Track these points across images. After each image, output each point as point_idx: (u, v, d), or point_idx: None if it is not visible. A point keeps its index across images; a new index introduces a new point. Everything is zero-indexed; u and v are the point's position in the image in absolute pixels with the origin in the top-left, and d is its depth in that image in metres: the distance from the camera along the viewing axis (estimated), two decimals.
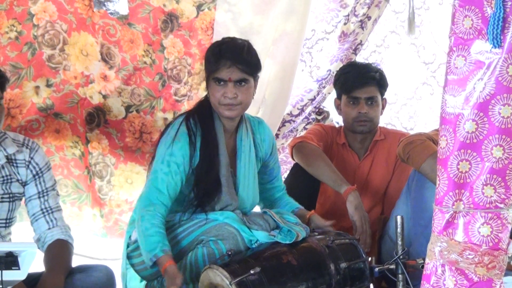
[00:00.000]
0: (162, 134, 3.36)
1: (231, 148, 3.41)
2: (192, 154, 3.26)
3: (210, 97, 3.31)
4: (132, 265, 3.35)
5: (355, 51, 4.59)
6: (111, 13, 4.00)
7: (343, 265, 3.12)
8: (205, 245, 3.17)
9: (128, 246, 3.36)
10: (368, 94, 4.02)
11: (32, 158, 3.14)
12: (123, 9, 4.00)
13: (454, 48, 2.57)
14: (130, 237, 3.36)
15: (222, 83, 3.26)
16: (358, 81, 4.00)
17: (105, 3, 3.95)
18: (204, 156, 3.27)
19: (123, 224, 4.19)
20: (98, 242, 4.21)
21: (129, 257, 3.34)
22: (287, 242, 3.16)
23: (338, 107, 4.14)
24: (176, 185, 3.23)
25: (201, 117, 3.33)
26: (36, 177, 3.14)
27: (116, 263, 3.78)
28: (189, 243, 3.22)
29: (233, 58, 3.25)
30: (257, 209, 3.63)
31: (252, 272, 2.91)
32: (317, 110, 4.72)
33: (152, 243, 3.09)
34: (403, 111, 4.19)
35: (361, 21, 4.54)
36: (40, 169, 3.15)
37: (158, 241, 3.09)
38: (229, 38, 3.41)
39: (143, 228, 3.13)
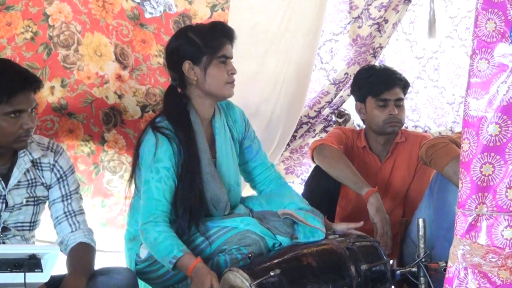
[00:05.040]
0: (138, 144, 3.35)
1: (209, 135, 3.42)
2: (176, 154, 3.26)
3: (210, 81, 3.31)
4: (147, 280, 3.37)
5: (375, 54, 4.60)
6: (151, 13, 4.00)
7: (363, 267, 3.12)
8: (228, 253, 3.18)
9: (136, 264, 3.36)
10: (396, 96, 4.08)
11: (56, 162, 3.14)
12: (169, 7, 4.00)
13: (477, 51, 2.57)
14: (137, 254, 3.35)
15: (226, 60, 3.33)
16: (388, 84, 4.05)
17: (144, 3, 3.95)
18: (186, 163, 3.27)
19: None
20: (100, 232, 4.19)
21: (142, 273, 3.34)
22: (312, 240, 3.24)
23: (360, 110, 4.15)
24: (171, 188, 3.23)
25: (176, 117, 3.33)
26: (60, 180, 3.14)
27: (119, 255, 3.77)
28: (211, 253, 3.23)
29: (231, 36, 3.38)
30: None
31: (272, 274, 2.92)
32: (337, 113, 4.74)
33: (167, 246, 3.10)
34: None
35: (378, 23, 4.54)
36: (64, 172, 3.15)
37: (172, 244, 3.10)
38: (206, 22, 3.53)
39: (152, 239, 3.14)
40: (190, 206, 3.24)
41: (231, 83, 3.35)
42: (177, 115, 3.33)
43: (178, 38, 3.38)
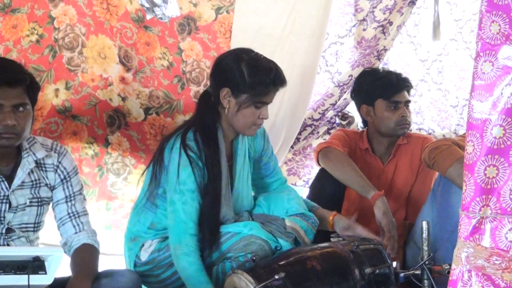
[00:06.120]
0: (161, 148, 3.33)
1: (229, 154, 3.41)
2: (199, 176, 3.25)
3: (240, 118, 3.29)
4: (147, 283, 3.38)
5: (379, 56, 4.61)
6: (160, 18, 4.01)
7: (367, 270, 3.12)
8: (234, 260, 3.19)
9: (135, 265, 3.36)
10: (406, 98, 4.12)
11: (60, 163, 3.14)
12: (175, 12, 4.00)
13: (481, 54, 2.56)
14: (137, 256, 3.36)
15: (262, 106, 3.30)
16: (398, 86, 4.07)
17: (154, 9, 3.96)
18: (209, 183, 3.27)
19: None
20: (103, 235, 4.19)
21: (142, 275, 3.33)
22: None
23: (368, 113, 4.14)
24: (196, 208, 3.23)
25: (206, 131, 3.31)
26: (64, 181, 3.14)
27: (123, 259, 3.77)
28: (215, 259, 3.23)
29: (281, 85, 3.32)
30: None
31: (276, 277, 2.91)
32: (341, 115, 4.74)
33: (198, 282, 3.10)
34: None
35: (382, 26, 4.55)
36: (68, 173, 3.14)
37: (201, 281, 3.10)
38: (265, 60, 3.35)
39: (181, 267, 3.15)
40: (211, 226, 3.25)
41: (258, 125, 3.34)
42: (207, 129, 3.31)
43: (233, 60, 3.31)
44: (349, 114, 4.77)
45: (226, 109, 3.29)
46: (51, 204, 3.15)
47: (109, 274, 3.04)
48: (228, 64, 3.30)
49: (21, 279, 2.56)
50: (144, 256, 3.32)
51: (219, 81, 3.31)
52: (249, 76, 3.25)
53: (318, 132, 4.74)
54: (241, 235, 3.21)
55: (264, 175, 3.59)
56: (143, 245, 3.35)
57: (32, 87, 3.02)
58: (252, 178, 3.55)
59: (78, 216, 3.14)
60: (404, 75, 4.25)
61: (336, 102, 4.65)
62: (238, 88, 3.26)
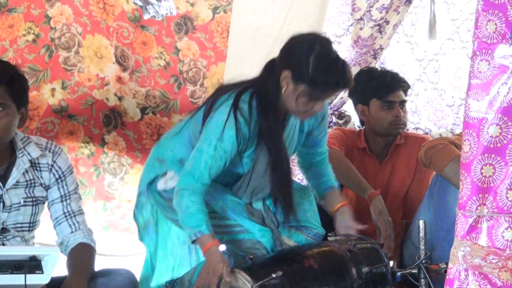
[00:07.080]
0: (213, 101, 3.24)
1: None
2: (241, 141, 3.16)
3: (291, 104, 3.17)
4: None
5: (375, 55, 4.61)
6: (153, 16, 4.00)
7: (365, 269, 3.11)
8: (233, 255, 3.18)
9: (150, 183, 3.33)
10: (401, 98, 4.10)
11: (55, 162, 3.11)
12: (170, 10, 4.00)
13: (478, 53, 2.56)
14: (156, 177, 3.32)
15: (316, 100, 3.20)
16: (393, 86, 4.06)
17: (147, 7, 3.96)
18: (268, 154, 3.22)
19: (130, 218, 4.18)
20: (102, 236, 4.19)
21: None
22: None
23: (363, 112, 4.14)
24: (219, 167, 3.16)
25: (264, 104, 3.20)
26: (59, 180, 3.12)
27: (122, 260, 3.77)
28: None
29: (343, 87, 3.29)
30: None
31: (274, 276, 2.90)
32: (337, 114, 4.74)
33: (197, 219, 3.05)
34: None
35: (379, 25, 4.55)
36: (62, 172, 3.12)
37: (203, 219, 3.05)
38: (335, 58, 3.16)
39: (184, 207, 3.08)
40: (285, 193, 3.26)
41: (309, 115, 3.24)
42: (268, 98, 3.19)
43: (305, 48, 3.13)
44: (346, 113, 4.77)
45: (282, 90, 3.17)
46: (46, 203, 3.15)
47: (106, 273, 3.03)
48: (299, 50, 3.15)
49: (18, 279, 2.55)
50: (161, 185, 3.30)
51: (285, 61, 3.18)
52: (313, 71, 3.09)
53: None
54: (251, 236, 3.21)
55: (309, 145, 3.49)
56: (166, 173, 3.31)
57: (14, 87, 2.92)
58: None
59: (74, 216, 3.12)
60: (401, 74, 4.25)
61: (332, 101, 4.65)
62: (299, 77, 3.12)
